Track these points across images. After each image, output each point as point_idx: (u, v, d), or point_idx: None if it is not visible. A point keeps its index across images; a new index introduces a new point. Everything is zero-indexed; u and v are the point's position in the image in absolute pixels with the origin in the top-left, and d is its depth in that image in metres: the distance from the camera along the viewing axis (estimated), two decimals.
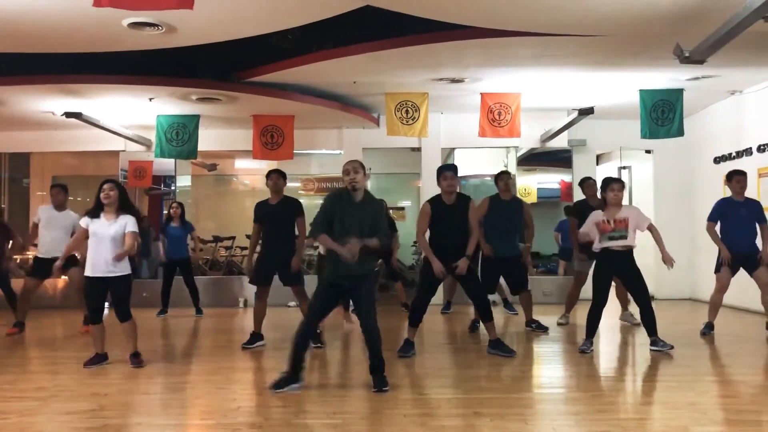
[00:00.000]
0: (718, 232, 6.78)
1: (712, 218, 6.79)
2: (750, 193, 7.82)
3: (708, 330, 6.82)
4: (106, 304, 5.74)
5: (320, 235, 4.69)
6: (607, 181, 6.03)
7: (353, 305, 4.89)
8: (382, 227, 4.80)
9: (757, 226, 6.70)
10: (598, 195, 7.07)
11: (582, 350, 5.96)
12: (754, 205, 6.79)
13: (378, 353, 4.70)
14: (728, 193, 6.93)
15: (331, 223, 4.69)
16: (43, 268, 6.89)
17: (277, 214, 6.39)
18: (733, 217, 6.72)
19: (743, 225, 6.67)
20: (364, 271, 4.70)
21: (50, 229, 7.11)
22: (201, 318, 8.84)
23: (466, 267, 5.77)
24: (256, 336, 6.42)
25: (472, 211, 5.92)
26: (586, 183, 7.71)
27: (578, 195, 9.93)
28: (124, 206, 5.44)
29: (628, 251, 5.94)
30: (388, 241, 5.05)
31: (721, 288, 6.77)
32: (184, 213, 9.14)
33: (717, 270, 6.80)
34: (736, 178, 6.78)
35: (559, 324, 7.69)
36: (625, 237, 5.84)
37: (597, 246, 5.98)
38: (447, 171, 5.93)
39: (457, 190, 6.00)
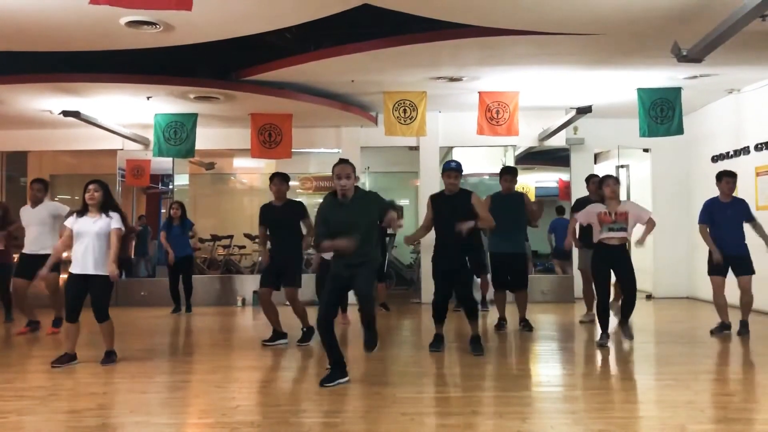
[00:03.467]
0: (709, 238, 6.76)
1: (703, 220, 6.81)
2: (747, 191, 7.85)
3: (720, 330, 6.75)
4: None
5: (321, 243, 4.82)
6: (603, 179, 6.42)
7: (354, 294, 5.01)
8: (385, 205, 4.86)
9: (746, 224, 6.71)
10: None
11: (600, 344, 6.13)
12: (741, 204, 6.79)
13: (368, 313, 4.82)
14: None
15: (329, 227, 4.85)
16: (27, 265, 6.99)
17: (280, 219, 6.45)
18: (720, 219, 6.73)
19: (730, 226, 6.67)
20: (360, 260, 4.73)
21: (29, 226, 7.20)
22: (196, 316, 8.85)
23: (465, 228, 5.64)
24: (279, 334, 6.45)
25: (479, 203, 5.94)
26: (592, 180, 7.72)
27: (577, 193, 10.01)
28: (108, 205, 5.53)
29: (622, 245, 6.12)
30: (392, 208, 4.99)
31: (717, 289, 6.76)
32: (184, 212, 9.20)
33: (709, 272, 6.80)
34: (726, 180, 6.78)
35: (581, 322, 7.69)
36: (624, 229, 6.09)
37: (596, 237, 6.20)
38: (448, 170, 5.98)
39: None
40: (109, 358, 5.57)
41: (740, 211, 6.72)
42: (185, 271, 9.19)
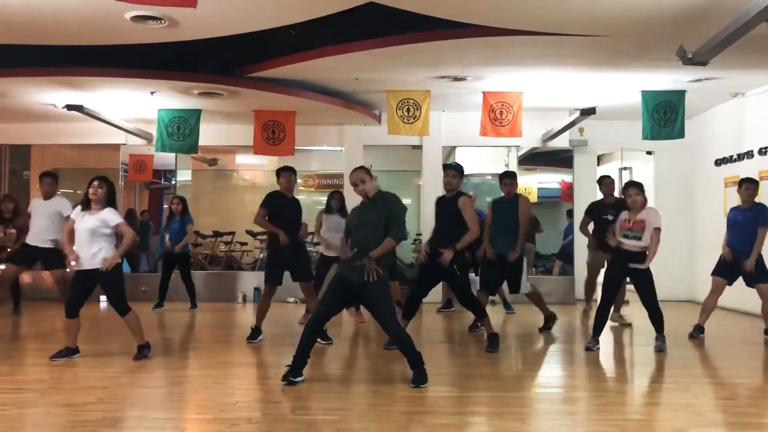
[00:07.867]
0: (724, 238, 6.78)
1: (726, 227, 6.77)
2: None
3: (697, 333, 6.76)
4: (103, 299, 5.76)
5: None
6: (626, 186, 6.24)
7: (370, 311, 4.94)
8: (395, 219, 4.73)
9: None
10: (615, 194, 7.12)
11: (588, 348, 6.06)
12: (760, 209, 6.65)
13: (407, 352, 4.72)
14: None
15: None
16: (27, 255, 7.18)
17: (291, 211, 6.46)
18: (732, 223, 6.72)
19: (742, 231, 6.60)
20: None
21: (36, 218, 7.21)
22: (197, 312, 8.83)
23: (448, 258, 5.70)
24: (258, 330, 6.43)
25: (466, 208, 5.89)
26: (604, 182, 7.66)
27: (579, 195, 10.03)
28: (110, 202, 5.43)
29: (641, 253, 5.94)
30: (401, 232, 4.80)
31: (715, 290, 6.76)
32: (186, 208, 9.13)
33: (714, 272, 6.79)
34: (745, 186, 6.72)
35: (584, 316, 7.72)
36: (639, 238, 5.90)
37: (613, 240, 6.05)
38: (447, 168, 6.15)
39: (457, 188, 6.08)
40: (141, 353, 5.51)
41: (756, 216, 6.58)
42: (182, 268, 9.03)
